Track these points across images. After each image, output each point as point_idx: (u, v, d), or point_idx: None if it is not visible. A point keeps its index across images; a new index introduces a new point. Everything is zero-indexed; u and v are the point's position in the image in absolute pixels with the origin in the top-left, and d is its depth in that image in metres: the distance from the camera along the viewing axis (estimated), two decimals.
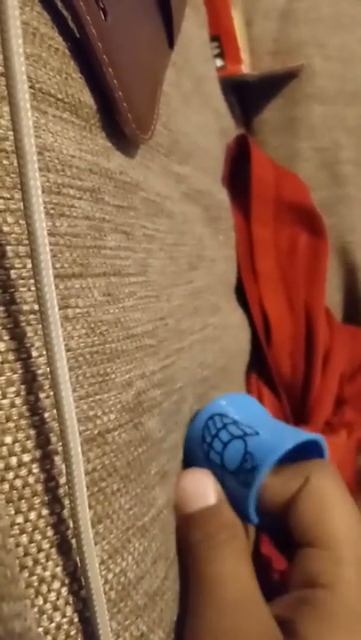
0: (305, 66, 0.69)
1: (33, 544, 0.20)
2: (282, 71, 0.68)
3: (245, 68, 0.65)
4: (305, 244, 0.58)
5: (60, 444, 0.21)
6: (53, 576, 0.20)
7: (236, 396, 0.35)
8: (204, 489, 0.30)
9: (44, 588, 0.20)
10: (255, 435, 0.32)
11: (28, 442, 0.20)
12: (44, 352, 0.21)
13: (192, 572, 0.28)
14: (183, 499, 0.30)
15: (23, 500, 0.20)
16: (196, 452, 0.33)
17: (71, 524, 0.21)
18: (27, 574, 0.19)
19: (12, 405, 0.20)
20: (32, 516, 0.20)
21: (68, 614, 0.20)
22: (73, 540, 0.21)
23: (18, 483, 0.20)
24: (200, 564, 0.28)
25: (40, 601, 0.20)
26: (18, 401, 0.20)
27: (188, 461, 0.33)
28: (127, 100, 0.28)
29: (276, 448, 0.30)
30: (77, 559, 0.21)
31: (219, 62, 0.62)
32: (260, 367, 0.53)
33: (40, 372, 0.21)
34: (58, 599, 0.20)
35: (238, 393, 0.37)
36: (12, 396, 0.20)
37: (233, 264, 0.52)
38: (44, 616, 0.20)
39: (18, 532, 0.19)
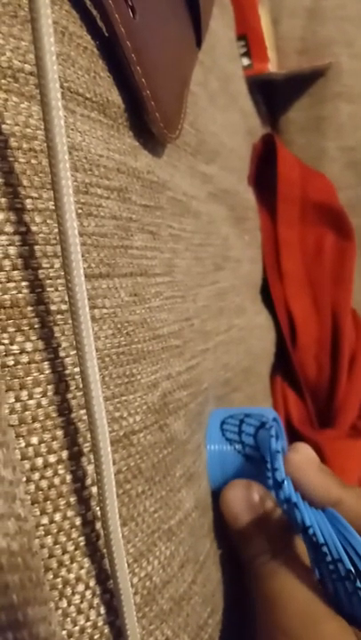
0: (332, 64, 0.68)
1: (58, 546, 0.20)
2: (309, 70, 0.67)
3: (272, 66, 0.64)
4: (331, 244, 0.58)
5: (87, 445, 0.20)
6: (78, 579, 0.20)
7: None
8: (249, 500, 0.29)
9: (69, 591, 0.20)
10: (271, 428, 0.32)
11: (55, 443, 0.20)
12: (71, 352, 0.20)
13: (254, 590, 0.27)
14: (230, 514, 0.29)
15: (49, 502, 0.19)
16: (231, 457, 0.32)
17: (96, 527, 0.20)
18: (51, 576, 0.19)
19: (39, 406, 0.19)
20: (57, 517, 0.20)
21: (91, 618, 0.20)
22: (98, 543, 0.21)
23: (43, 484, 0.19)
24: (259, 582, 0.27)
25: (64, 603, 0.20)
26: (44, 401, 0.20)
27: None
28: (155, 98, 0.28)
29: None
30: (102, 562, 0.20)
31: (245, 61, 0.62)
32: (285, 369, 0.53)
33: (67, 372, 0.20)
34: (82, 602, 0.20)
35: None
36: (39, 396, 0.20)
37: (258, 265, 0.52)
38: (68, 619, 0.20)
39: (43, 533, 0.19)
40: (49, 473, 0.20)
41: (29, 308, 0.20)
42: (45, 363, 0.20)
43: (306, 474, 0.30)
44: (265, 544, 0.28)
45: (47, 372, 0.20)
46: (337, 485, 0.29)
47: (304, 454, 0.31)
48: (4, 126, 0.20)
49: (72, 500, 0.20)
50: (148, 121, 0.28)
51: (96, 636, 0.20)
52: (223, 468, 0.32)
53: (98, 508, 0.20)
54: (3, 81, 0.20)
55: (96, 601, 0.21)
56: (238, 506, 0.29)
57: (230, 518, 0.29)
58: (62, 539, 0.20)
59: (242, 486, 0.30)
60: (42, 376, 0.20)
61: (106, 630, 0.21)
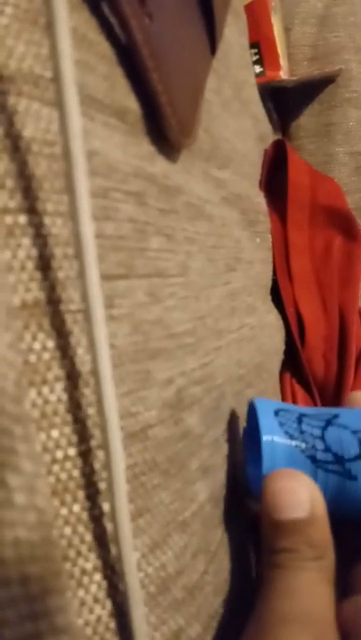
0: (342, 71, 0.69)
1: (76, 536, 0.20)
2: (319, 76, 0.68)
3: (284, 74, 0.65)
4: (339, 246, 0.59)
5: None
6: (95, 568, 0.21)
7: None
8: (298, 499, 0.27)
9: (86, 580, 0.20)
10: (338, 417, 0.30)
11: (74, 436, 0.20)
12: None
13: (267, 577, 0.26)
14: (273, 504, 0.27)
15: (68, 493, 0.20)
16: (297, 456, 0.30)
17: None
18: (69, 565, 0.20)
19: (60, 401, 0.20)
20: (76, 508, 0.20)
21: (108, 607, 0.21)
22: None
23: (63, 476, 0.20)
24: (277, 571, 0.26)
25: (82, 592, 0.20)
26: (65, 396, 0.20)
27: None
28: (171, 105, 0.28)
29: None
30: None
31: (257, 68, 0.63)
32: (293, 367, 0.53)
33: (86, 369, 0.21)
34: (99, 591, 0.21)
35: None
36: (60, 391, 0.20)
37: (269, 266, 0.53)
38: (85, 607, 0.20)
39: (62, 523, 0.20)
40: (69, 465, 0.20)
41: (51, 307, 0.20)
42: (66, 359, 0.21)
43: None
44: (300, 545, 0.26)
45: (68, 367, 0.21)
46: None
47: None
48: (25, 132, 0.21)
49: (91, 491, 0.21)
50: (164, 127, 0.29)
51: (112, 625, 0.21)
52: (282, 462, 0.30)
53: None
54: (25, 87, 0.21)
55: (113, 590, 0.21)
56: (283, 498, 0.27)
57: (271, 507, 0.27)
58: (81, 529, 0.20)
59: (292, 477, 0.28)
60: (63, 372, 0.20)
61: (122, 619, 0.21)
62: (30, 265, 0.20)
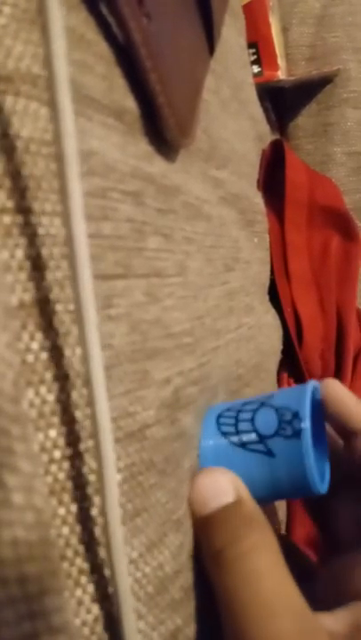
0: (340, 71, 0.69)
1: (74, 535, 0.20)
2: (317, 76, 0.68)
3: (282, 74, 0.65)
4: (337, 246, 0.59)
5: None
6: (93, 567, 0.21)
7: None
8: (221, 487, 0.27)
9: (84, 579, 0.20)
10: (272, 397, 0.30)
11: (72, 436, 0.20)
12: None
13: (224, 591, 0.25)
14: (199, 501, 0.27)
15: (66, 493, 0.20)
16: (224, 450, 0.30)
17: None
18: (67, 565, 0.20)
19: (57, 400, 0.20)
20: (74, 508, 0.20)
21: (105, 606, 0.21)
22: None
23: (61, 475, 0.20)
24: (231, 580, 0.25)
25: (79, 592, 0.20)
26: (62, 396, 0.20)
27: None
28: (170, 105, 0.28)
29: (302, 391, 0.30)
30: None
31: (255, 68, 0.63)
32: (291, 367, 0.53)
33: (84, 369, 0.21)
34: (96, 591, 0.21)
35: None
36: (58, 391, 0.20)
37: (267, 266, 0.53)
38: (82, 607, 0.20)
39: (60, 523, 0.20)
40: (66, 465, 0.20)
41: (48, 307, 0.20)
42: (64, 359, 0.21)
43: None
44: (238, 530, 0.26)
45: (66, 367, 0.21)
46: None
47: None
48: (24, 132, 0.21)
49: (89, 490, 0.21)
50: (162, 127, 0.29)
51: (109, 625, 0.21)
52: (217, 464, 0.30)
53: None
54: (22, 87, 0.21)
55: (110, 590, 0.21)
56: (208, 492, 0.27)
57: (198, 505, 0.27)
58: (78, 529, 0.20)
59: (211, 472, 0.28)
60: (60, 372, 0.20)
61: (119, 619, 0.21)
62: (28, 265, 0.20)
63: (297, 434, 0.28)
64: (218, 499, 0.27)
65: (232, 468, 0.29)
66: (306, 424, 0.28)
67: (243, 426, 0.30)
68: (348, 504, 0.32)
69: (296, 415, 0.29)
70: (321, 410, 0.32)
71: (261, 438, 0.29)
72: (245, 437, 0.30)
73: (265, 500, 0.30)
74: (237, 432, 0.30)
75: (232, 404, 0.32)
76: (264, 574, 0.25)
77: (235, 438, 0.30)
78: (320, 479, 0.29)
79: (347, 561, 0.30)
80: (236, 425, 0.30)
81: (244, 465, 0.29)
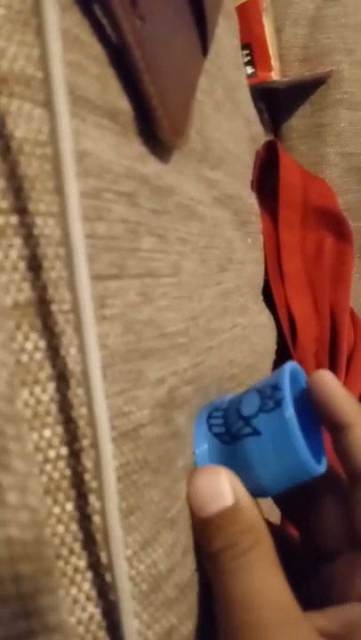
0: (333, 72, 0.69)
1: (68, 534, 0.20)
2: (311, 77, 0.68)
3: (275, 75, 0.65)
4: (331, 247, 0.59)
5: None
6: (87, 566, 0.21)
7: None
8: (218, 487, 0.27)
9: (79, 578, 0.21)
10: (256, 385, 0.30)
11: (66, 435, 0.21)
12: None
13: (218, 587, 0.26)
14: (197, 502, 0.27)
15: (61, 492, 0.20)
16: (219, 451, 0.30)
17: None
18: (62, 563, 0.20)
19: (52, 400, 0.20)
20: (69, 507, 0.20)
21: (100, 605, 0.21)
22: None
23: (56, 475, 0.20)
24: (225, 577, 0.26)
25: (74, 590, 0.20)
26: (57, 396, 0.20)
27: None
28: (163, 106, 0.28)
29: (281, 369, 0.29)
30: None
31: (249, 69, 0.63)
32: None
33: (78, 368, 0.21)
34: (91, 589, 0.21)
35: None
36: (52, 390, 0.20)
37: (261, 266, 0.53)
38: (77, 605, 0.20)
39: (55, 522, 0.20)
40: (61, 464, 0.20)
41: (43, 307, 0.21)
42: (58, 359, 0.21)
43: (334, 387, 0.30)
44: (235, 536, 0.26)
45: (60, 367, 0.21)
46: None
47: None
48: (18, 133, 0.21)
49: (84, 489, 0.21)
50: (156, 128, 0.29)
51: (104, 623, 0.21)
52: (211, 462, 0.30)
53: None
54: (17, 88, 0.21)
55: (105, 588, 0.21)
56: (206, 493, 0.27)
57: (196, 507, 0.27)
58: (73, 527, 0.20)
59: (210, 472, 0.28)
60: (55, 372, 0.21)
61: (115, 618, 0.21)
62: (22, 265, 0.20)
63: (278, 403, 0.28)
64: (216, 502, 0.27)
65: (229, 466, 0.29)
66: (285, 392, 0.28)
67: (231, 419, 0.30)
68: (334, 506, 0.31)
69: (275, 387, 0.29)
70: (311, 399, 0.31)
71: (246, 420, 0.29)
72: (234, 428, 0.29)
73: (266, 490, 0.29)
74: (227, 427, 0.30)
75: (219, 403, 0.32)
76: (255, 573, 0.25)
77: (226, 437, 0.30)
78: (315, 458, 0.28)
79: (338, 566, 0.30)
80: (225, 421, 0.30)
81: (242, 457, 0.29)
